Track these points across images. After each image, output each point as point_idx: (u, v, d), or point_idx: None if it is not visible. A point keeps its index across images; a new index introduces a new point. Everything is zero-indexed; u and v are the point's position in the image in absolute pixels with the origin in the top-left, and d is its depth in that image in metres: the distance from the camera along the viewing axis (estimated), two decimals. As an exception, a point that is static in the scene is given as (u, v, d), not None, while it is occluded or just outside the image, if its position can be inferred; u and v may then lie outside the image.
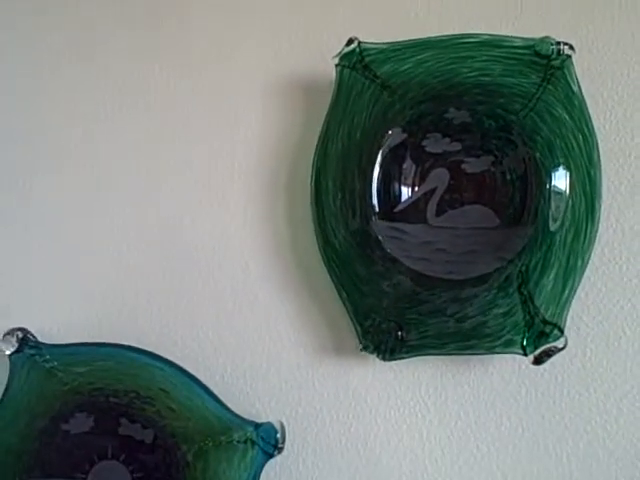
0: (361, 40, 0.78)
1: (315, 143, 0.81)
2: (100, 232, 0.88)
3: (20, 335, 0.84)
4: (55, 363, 0.83)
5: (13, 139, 0.90)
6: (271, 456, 0.77)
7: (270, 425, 0.78)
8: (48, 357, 0.84)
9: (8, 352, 0.84)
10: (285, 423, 0.78)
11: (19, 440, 0.83)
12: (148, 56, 0.89)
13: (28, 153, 0.90)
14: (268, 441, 0.77)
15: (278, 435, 0.77)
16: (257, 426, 0.78)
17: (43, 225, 0.89)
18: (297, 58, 0.86)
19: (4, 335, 0.84)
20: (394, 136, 0.78)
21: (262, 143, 0.86)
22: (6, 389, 0.83)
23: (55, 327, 0.87)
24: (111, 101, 0.89)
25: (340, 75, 0.79)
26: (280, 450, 0.77)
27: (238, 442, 0.78)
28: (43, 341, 0.84)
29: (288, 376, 0.83)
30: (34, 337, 0.84)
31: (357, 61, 0.78)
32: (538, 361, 0.72)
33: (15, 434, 0.83)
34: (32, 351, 0.84)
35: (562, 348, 0.72)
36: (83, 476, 0.82)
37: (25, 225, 0.89)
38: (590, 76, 0.75)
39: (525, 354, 0.73)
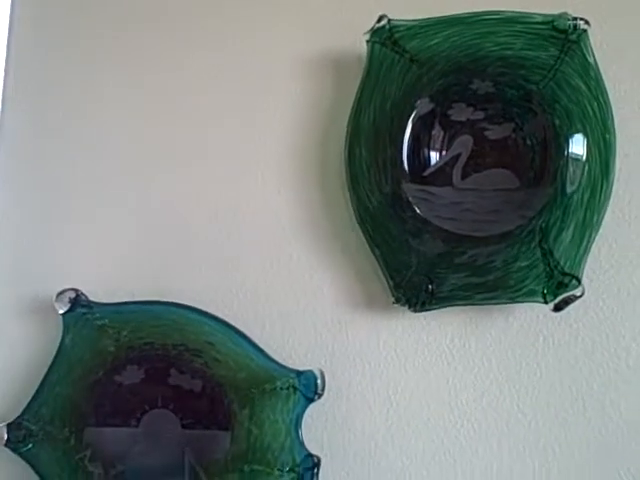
0: (390, 18, 0.84)
1: (344, 114, 0.88)
2: (145, 196, 0.93)
3: (72, 295, 0.90)
4: (106, 321, 0.89)
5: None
6: (312, 401, 0.84)
7: (311, 372, 0.84)
8: (99, 315, 0.89)
9: (61, 311, 0.89)
10: (321, 372, 0.85)
11: (74, 392, 0.88)
12: (182, 38, 0.95)
13: (74, 126, 0.95)
14: (309, 387, 0.84)
15: (318, 381, 0.84)
16: (299, 374, 0.84)
17: (89, 193, 0.94)
18: (326, 35, 0.92)
19: (57, 296, 0.89)
20: (422, 106, 0.85)
21: (295, 115, 0.92)
22: (60, 345, 0.89)
23: (102, 288, 0.91)
24: (149, 82, 0.94)
25: (371, 50, 0.86)
26: (320, 395, 0.84)
27: (281, 389, 0.85)
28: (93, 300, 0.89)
29: (323, 328, 0.89)
30: (85, 297, 0.89)
31: (387, 37, 0.85)
32: (558, 308, 0.80)
33: (70, 386, 0.88)
34: (84, 310, 0.89)
35: (580, 296, 0.79)
36: (135, 424, 0.88)
37: (73, 194, 0.94)
38: (604, 48, 0.83)
39: (546, 302, 0.80)
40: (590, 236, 0.80)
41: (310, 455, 0.83)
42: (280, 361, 0.86)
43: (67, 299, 0.90)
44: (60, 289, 0.89)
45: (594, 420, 0.84)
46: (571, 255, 0.80)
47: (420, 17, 0.85)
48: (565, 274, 0.80)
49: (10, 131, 0.96)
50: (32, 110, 0.97)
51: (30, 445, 0.88)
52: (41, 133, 0.96)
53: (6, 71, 0.96)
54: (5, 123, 0.96)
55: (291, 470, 0.83)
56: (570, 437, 0.84)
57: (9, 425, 0.88)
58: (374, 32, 0.85)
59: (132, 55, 0.96)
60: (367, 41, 0.86)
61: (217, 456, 0.85)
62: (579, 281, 0.80)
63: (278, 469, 0.83)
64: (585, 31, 0.80)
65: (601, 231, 0.81)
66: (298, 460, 0.83)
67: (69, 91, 0.96)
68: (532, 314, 0.86)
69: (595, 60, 0.80)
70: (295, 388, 0.84)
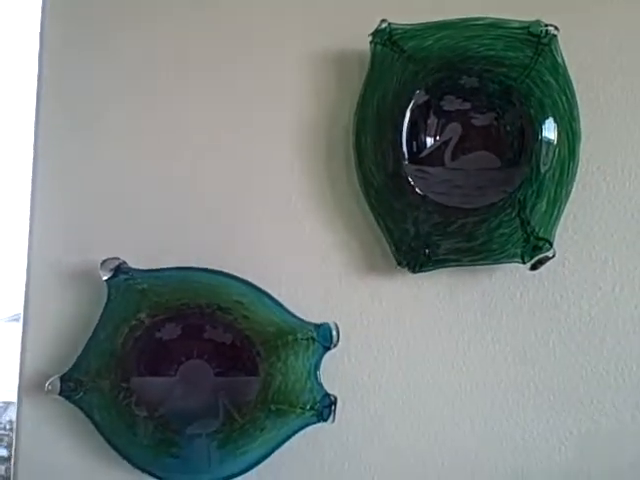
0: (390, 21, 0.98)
1: (348, 105, 1.02)
2: (174, 174, 1.06)
3: (115, 263, 1.01)
4: (145, 285, 1.01)
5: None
6: (328, 349, 0.98)
7: (327, 325, 0.99)
8: (139, 280, 1.01)
9: (105, 278, 1.01)
10: (333, 326, 0.99)
11: (119, 347, 1.00)
12: (196, 34, 1.08)
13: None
14: (325, 338, 0.98)
15: (334, 333, 0.98)
16: (317, 326, 0.99)
17: (126, 172, 1.07)
18: (332, 36, 1.05)
19: (101, 264, 1.01)
20: (419, 97, 0.99)
21: (305, 106, 1.05)
22: (105, 307, 1.01)
23: (141, 255, 1.04)
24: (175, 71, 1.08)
25: (374, 50, 1.00)
26: (335, 345, 0.98)
27: (302, 339, 0.99)
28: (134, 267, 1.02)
29: (333, 289, 1.03)
30: (126, 264, 1.02)
31: (387, 38, 0.99)
32: (534, 267, 0.96)
33: (115, 343, 1.00)
34: (125, 276, 1.01)
35: (552, 257, 0.96)
36: (173, 373, 1.01)
37: (112, 176, 1.07)
38: (572, 49, 0.98)
39: (524, 262, 0.97)
40: (560, 207, 0.96)
41: (327, 395, 0.97)
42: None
43: (110, 267, 1.01)
44: (104, 258, 1.01)
45: (562, 361, 1.00)
46: (544, 223, 0.96)
47: (416, 21, 0.99)
48: (540, 239, 0.96)
49: (51, 100, 1.07)
50: (68, 96, 1.08)
51: (81, 394, 1.00)
52: (79, 117, 1.08)
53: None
54: (45, 89, 1.07)
55: (311, 408, 0.97)
56: (542, 375, 1.00)
57: (62, 377, 1.00)
58: (376, 34, 0.99)
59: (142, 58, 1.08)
60: (370, 42, 1.00)
61: (247, 398, 0.99)
62: (551, 244, 0.96)
63: (300, 407, 0.98)
64: (555, 36, 0.96)
65: (569, 203, 0.97)
66: (317, 399, 0.97)
67: (100, 82, 1.08)
68: (511, 275, 1.01)
69: (563, 60, 0.96)
70: (314, 339, 0.98)
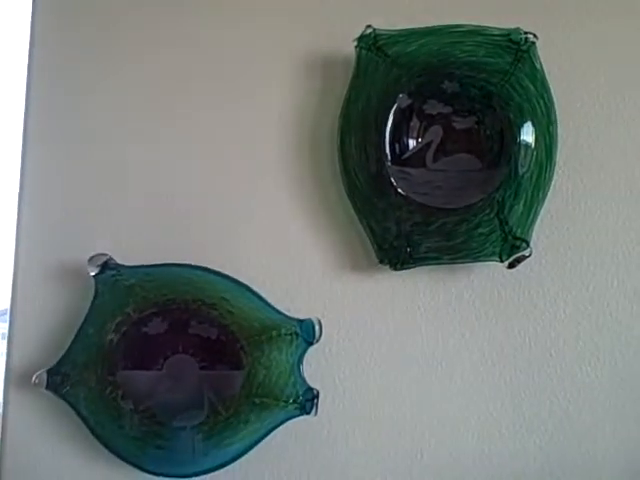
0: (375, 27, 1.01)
1: (333, 108, 1.05)
2: (160, 173, 1.08)
3: (102, 259, 1.03)
4: (133, 281, 1.03)
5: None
6: (311, 344, 1.01)
7: (310, 321, 1.01)
8: (126, 276, 1.03)
9: (93, 273, 1.03)
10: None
11: (106, 341, 1.02)
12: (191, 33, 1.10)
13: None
14: (308, 333, 1.01)
15: (316, 328, 1.01)
16: (300, 322, 1.01)
17: (116, 169, 1.09)
18: (317, 40, 1.08)
19: (89, 260, 1.03)
20: (402, 101, 1.03)
21: (290, 107, 1.08)
22: (92, 302, 1.03)
23: (128, 252, 1.06)
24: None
25: (358, 54, 1.03)
26: (318, 340, 1.01)
27: (285, 334, 1.01)
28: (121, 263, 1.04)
29: (316, 286, 1.06)
30: (114, 260, 1.04)
31: (372, 44, 1.02)
32: (511, 266, 1.00)
33: (102, 337, 1.02)
34: (113, 272, 1.03)
35: (529, 256, 0.99)
36: (160, 367, 1.03)
37: (100, 175, 1.09)
38: (550, 56, 1.01)
39: (502, 261, 1.00)
40: (537, 208, 1.00)
41: (310, 388, 1.00)
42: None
43: (98, 263, 1.03)
44: (91, 254, 1.03)
45: (538, 356, 1.04)
46: (522, 223, 1.00)
47: (400, 27, 1.02)
48: (517, 238, 0.99)
49: (39, 99, 1.09)
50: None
51: (68, 387, 1.01)
52: (67, 116, 1.10)
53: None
54: (34, 88, 1.09)
55: (294, 401, 1.00)
56: (519, 369, 1.04)
57: (48, 371, 1.01)
58: (361, 39, 1.02)
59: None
60: (355, 47, 1.03)
61: (232, 392, 1.01)
62: (528, 244, 0.99)
63: (284, 401, 1.00)
64: (534, 43, 0.99)
65: (546, 204, 1.01)
66: (300, 393, 1.00)
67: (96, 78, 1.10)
68: (489, 273, 1.05)
69: (542, 66, 1.00)
70: (297, 334, 1.01)
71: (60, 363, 1.02)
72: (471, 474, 1.02)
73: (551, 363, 1.03)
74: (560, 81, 1.01)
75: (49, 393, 1.01)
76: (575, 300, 1.03)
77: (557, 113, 0.99)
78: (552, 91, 0.99)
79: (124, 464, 1.01)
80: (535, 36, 0.99)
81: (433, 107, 1.02)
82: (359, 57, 1.02)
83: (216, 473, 1.00)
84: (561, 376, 1.03)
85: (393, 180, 1.01)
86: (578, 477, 1.01)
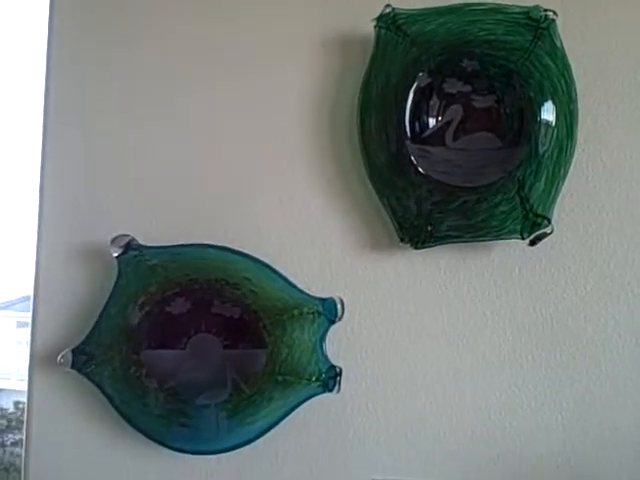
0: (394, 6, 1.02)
1: (352, 88, 1.05)
2: (181, 156, 1.09)
3: (125, 240, 1.05)
4: (155, 261, 1.05)
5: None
6: (333, 323, 1.02)
7: (332, 299, 1.02)
8: (149, 257, 1.05)
9: (116, 254, 1.04)
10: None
11: (130, 321, 1.04)
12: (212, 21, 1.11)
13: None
14: (330, 312, 1.02)
15: (338, 307, 1.02)
16: (322, 301, 1.02)
17: (137, 155, 1.10)
18: (337, 19, 1.09)
19: (111, 241, 1.04)
20: (421, 80, 1.03)
21: (309, 87, 1.09)
22: (116, 283, 1.04)
23: (150, 232, 1.07)
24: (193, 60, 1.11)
25: (378, 34, 1.03)
26: (340, 318, 1.02)
27: (308, 313, 1.02)
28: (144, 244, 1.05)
29: (337, 266, 1.07)
30: (136, 241, 1.05)
31: (391, 23, 1.03)
32: (533, 243, 1.00)
33: (126, 317, 1.04)
34: (135, 252, 1.04)
35: (550, 233, 1.00)
36: (183, 346, 1.04)
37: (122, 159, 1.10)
38: (570, 34, 1.01)
39: (523, 238, 1.00)
40: (558, 186, 1.00)
41: (333, 366, 1.01)
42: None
43: (120, 244, 1.04)
44: (114, 235, 1.04)
45: (559, 335, 1.04)
46: (543, 201, 1.00)
47: (419, 6, 1.03)
48: (538, 215, 1.00)
49: (57, 97, 1.11)
50: (75, 81, 1.12)
51: (92, 366, 1.03)
52: (86, 101, 1.11)
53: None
54: (52, 78, 1.11)
55: (317, 379, 1.01)
56: (540, 347, 1.04)
57: (73, 350, 1.03)
58: (380, 18, 1.03)
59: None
60: (374, 26, 1.03)
61: (255, 370, 1.02)
62: (549, 221, 1.00)
63: (306, 379, 1.01)
64: (554, 20, 0.99)
65: (566, 182, 1.01)
66: (323, 370, 1.01)
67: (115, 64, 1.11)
68: (509, 251, 1.05)
69: (562, 43, 1.00)
70: (319, 313, 1.02)
71: (85, 342, 1.03)
72: (493, 451, 1.02)
73: (572, 340, 1.03)
74: (580, 58, 1.01)
75: (74, 372, 1.03)
76: (596, 277, 1.03)
77: (577, 90, 0.98)
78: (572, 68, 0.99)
79: (149, 441, 1.02)
80: (555, 13, 0.99)
81: (453, 86, 1.02)
82: (378, 36, 1.03)
83: (240, 450, 1.01)
84: (583, 353, 1.03)
85: (413, 159, 1.01)
86: (600, 453, 1.01)
